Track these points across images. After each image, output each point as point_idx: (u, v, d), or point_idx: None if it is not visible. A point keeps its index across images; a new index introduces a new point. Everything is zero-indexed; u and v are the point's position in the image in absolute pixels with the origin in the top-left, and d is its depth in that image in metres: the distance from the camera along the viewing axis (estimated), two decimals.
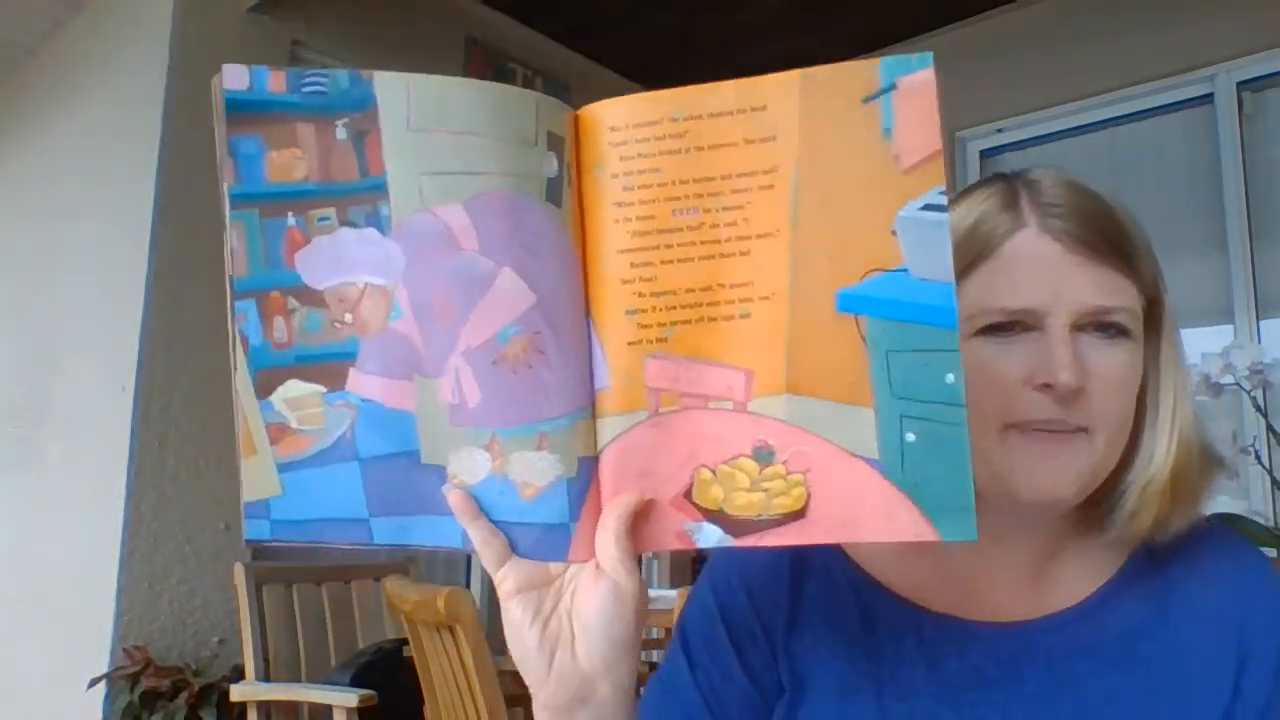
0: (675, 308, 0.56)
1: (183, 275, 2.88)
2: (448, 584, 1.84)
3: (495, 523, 0.56)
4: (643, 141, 0.56)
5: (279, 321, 0.56)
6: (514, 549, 0.57)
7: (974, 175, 3.73)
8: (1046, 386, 0.63)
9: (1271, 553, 1.88)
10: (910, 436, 0.53)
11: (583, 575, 0.57)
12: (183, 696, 2.48)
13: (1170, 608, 0.69)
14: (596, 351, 0.57)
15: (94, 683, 2.57)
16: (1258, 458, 1.92)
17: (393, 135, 0.55)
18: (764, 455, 0.55)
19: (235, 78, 0.55)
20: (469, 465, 0.56)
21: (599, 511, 0.57)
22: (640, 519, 0.57)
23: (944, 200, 0.52)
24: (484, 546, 0.56)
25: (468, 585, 3.65)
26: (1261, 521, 2.48)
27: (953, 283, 0.52)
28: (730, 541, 0.56)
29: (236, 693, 2.41)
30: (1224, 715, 0.65)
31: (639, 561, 0.57)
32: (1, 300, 3.70)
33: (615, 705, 0.57)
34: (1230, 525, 1.36)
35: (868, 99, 0.54)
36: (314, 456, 0.56)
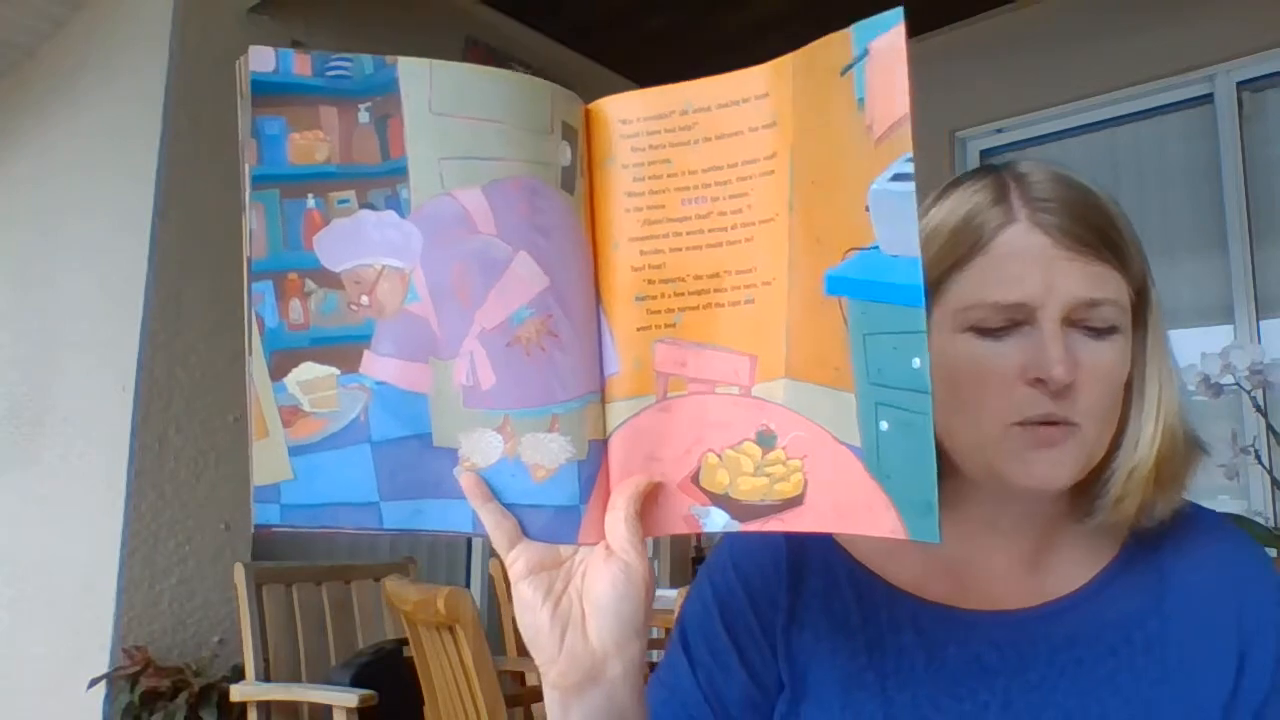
0: (684, 294, 0.57)
1: (182, 275, 2.88)
2: (448, 584, 1.84)
3: (506, 505, 0.57)
4: (654, 134, 0.58)
5: (295, 303, 0.56)
6: (525, 531, 0.57)
7: None
8: (1039, 381, 0.64)
9: (1272, 553, 1.88)
10: (884, 425, 0.51)
11: (593, 557, 0.57)
12: (183, 696, 2.48)
13: (1166, 593, 0.69)
14: (606, 337, 0.58)
15: (94, 683, 2.57)
16: (1258, 458, 1.92)
17: (415, 120, 0.56)
18: (767, 440, 0.55)
19: (261, 60, 0.55)
20: (481, 447, 0.56)
21: (608, 494, 0.58)
22: (649, 502, 0.57)
23: (911, 168, 0.49)
24: (495, 529, 0.56)
25: (468, 585, 3.64)
26: (1261, 521, 2.48)
27: (918, 256, 0.49)
28: (736, 526, 0.56)
29: (236, 693, 2.41)
30: (1226, 702, 0.66)
31: (646, 545, 0.58)
32: (2, 300, 3.69)
33: (625, 684, 0.57)
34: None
35: (845, 70, 0.52)
36: (327, 439, 0.56)
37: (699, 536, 3.74)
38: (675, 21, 3.64)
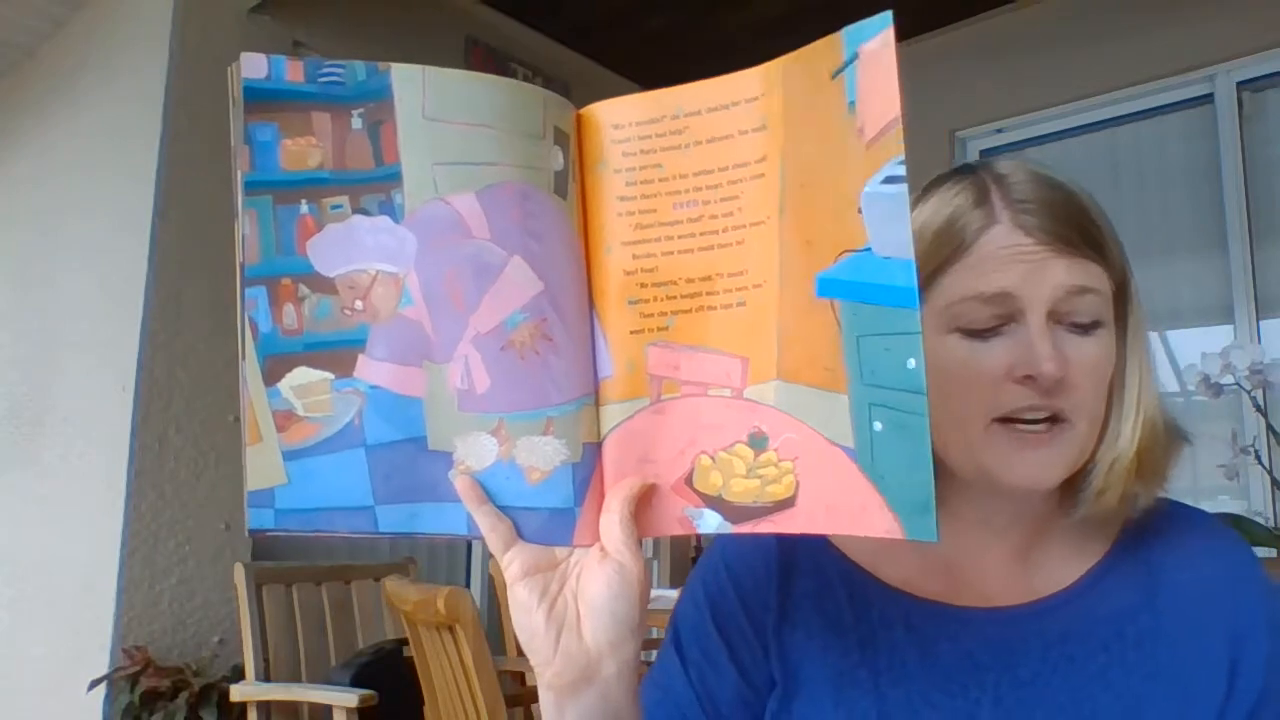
0: (676, 297, 0.58)
1: (182, 275, 2.88)
2: (448, 584, 1.84)
3: (501, 508, 0.57)
4: (645, 138, 0.58)
5: (289, 308, 0.56)
6: (520, 533, 0.57)
7: None
8: (1028, 379, 0.64)
9: (1271, 553, 1.88)
10: (878, 425, 0.51)
11: (588, 558, 0.58)
12: (183, 697, 2.48)
13: (1157, 589, 0.70)
14: (600, 340, 0.59)
15: (94, 684, 2.57)
16: (1258, 458, 1.93)
17: (408, 125, 0.56)
18: (758, 442, 0.56)
19: (254, 66, 0.56)
20: (476, 451, 0.57)
21: (602, 496, 0.58)
22: (643, 504, 0.58)
23: (902, 171, 0.50)
24: (490, 531, 0.56)
25: (468, 585, 3.65)
26: (1261, 521, 2.48)
27: (911, 259, 0.50)
28: (729, 528, 0.56)
29: (236, 693, 2.41)
30: (1220, 704, 0.66)
31: (643, 546, 0.58)
32: (2, 300, 3.70)
33: (620, 684, 0.57)
34: (1230, 525, 1.36)
35: (835, 73, 0.53)
36: (321, 444, 0.56)
37: (698, 537, 3.75)
38: (675, 21, 3.64)
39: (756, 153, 0.56)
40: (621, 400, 0.58)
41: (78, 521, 2.93)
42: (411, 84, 0.56)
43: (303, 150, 0.56)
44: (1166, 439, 0.70)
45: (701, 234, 0.57)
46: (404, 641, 2.22)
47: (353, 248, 0.56)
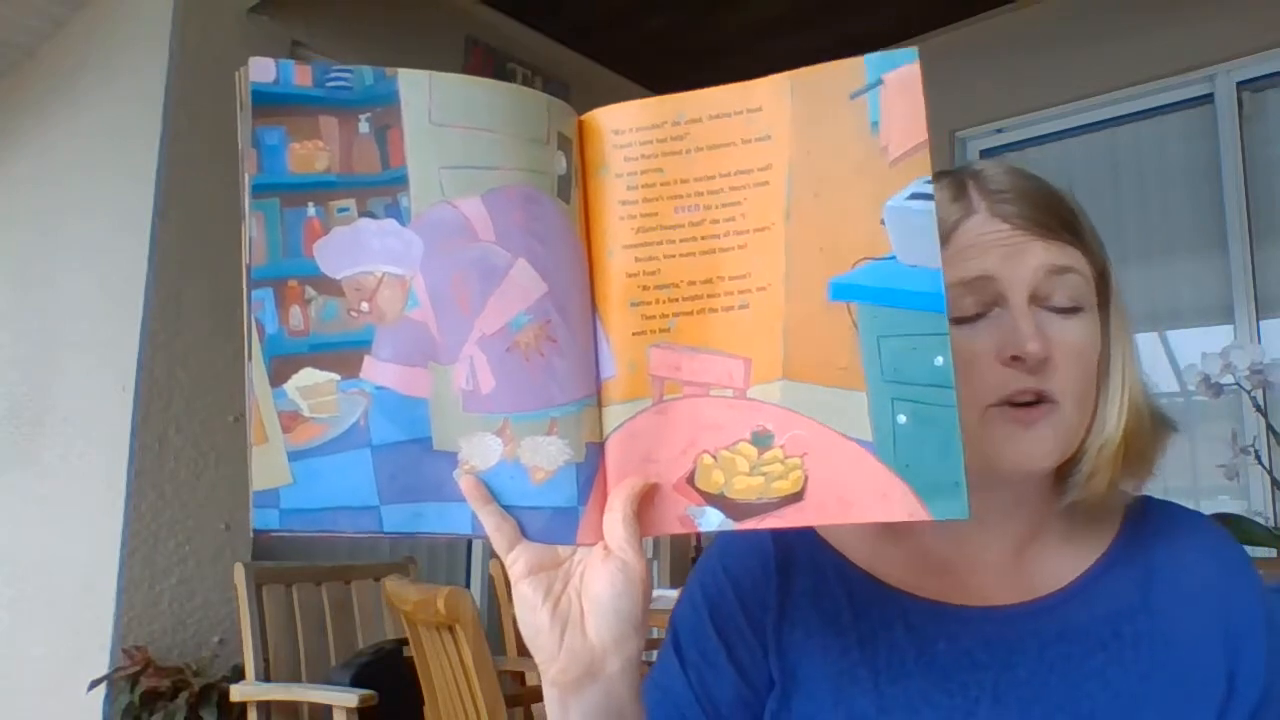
0: (677, 300, 0.59)
1: (182, 275, 2.88)
2: (448, 584, 1.84)
3: (506, 507, 0.58)
4: (646, 144, 0.60)
5: (296, 310, 0.57)
6: (524, 532, 0.58)
7: None
8: (1015, 359, 0.66)
9: (1271, 553, 1.88)
10: (901, 418, 0.54)
11: (591, 556, 0.58)
12: (183, 697, 2.48)
13: (1154, 589, 0.71)
14: (602, 342, 0.60)
15: (94, 684, 2.57)
16: (1258, 458, 1.93)
17: (414, 130, 0.57)
18: (762, 440, 0.57)
19: (262, 71, 0.56)
20: (481, 451, 0.57)
21: (605, 496, 0.59)
22: (645, 503, 0.59)
23: (930, 189, 0.55)
24: (495, 531, 0.57)
25: (468, 585, 3.65)
26: (1261, 521, 2.49)
27: (940, 268, 0.54)
28: (731, 525, 0.57)
29: (236, 693, 2.41)
30: (1220, 705, 0.66)
31: (645, 545, 0.59)
32: (2, 300, 3.70)
33: (623, 681, 0.58)
34: (1230, 525, 1.37)
35: (855, 94, 0.57)
36: (326, 444, 0.57)
37: (699, 537, 3.75)
38: (675, 21, 3.65)
39: (760, 161, 0.58)
40: (624, 401, 0.59)
41: (78, 521, 2.94)
42: (418, 89, 0.57)
43: (310, 153, 0.57)
44: (1153, 426, 0.71)
45: (703, 238, 0.58)
46: (404, 641, 2.23)
47: (359, 250, 0.57)
